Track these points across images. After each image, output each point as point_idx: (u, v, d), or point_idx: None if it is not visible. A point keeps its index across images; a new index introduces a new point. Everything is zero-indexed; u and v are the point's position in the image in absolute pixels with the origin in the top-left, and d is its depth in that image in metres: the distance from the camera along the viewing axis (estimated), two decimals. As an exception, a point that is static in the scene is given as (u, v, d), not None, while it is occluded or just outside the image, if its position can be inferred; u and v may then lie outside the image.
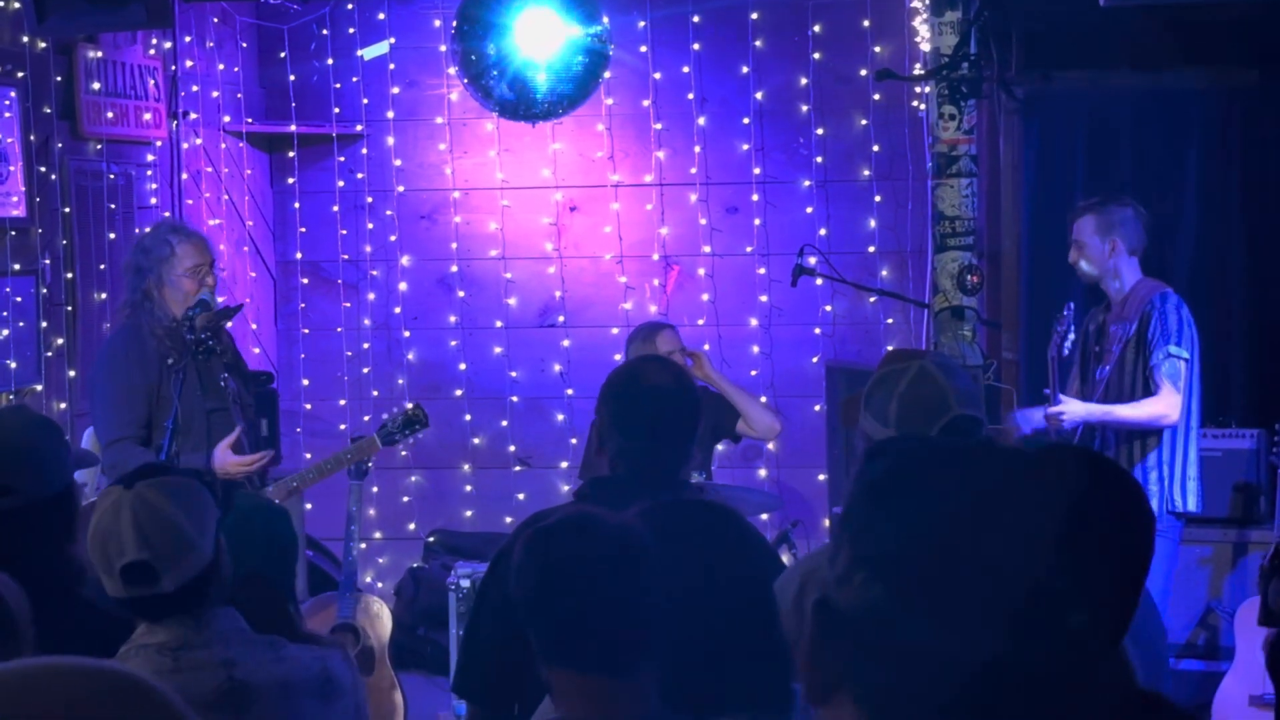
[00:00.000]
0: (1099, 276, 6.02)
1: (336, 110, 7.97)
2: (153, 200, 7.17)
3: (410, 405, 6.12)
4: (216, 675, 2.83)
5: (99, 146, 6.65)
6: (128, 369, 5.40)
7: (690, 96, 7.83)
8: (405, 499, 8.07)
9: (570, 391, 7.96)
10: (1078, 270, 6.06)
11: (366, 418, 7.55)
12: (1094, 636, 1.19)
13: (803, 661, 1.26)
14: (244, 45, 7.88)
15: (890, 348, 7.41)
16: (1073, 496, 1.21)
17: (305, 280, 8.09)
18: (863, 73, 7.64)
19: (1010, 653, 1.17)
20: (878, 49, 7.61)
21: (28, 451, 3.23)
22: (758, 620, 2.65)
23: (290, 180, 8.07)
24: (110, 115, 6.74)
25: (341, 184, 8.03)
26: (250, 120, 7.89)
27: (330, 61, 7.93)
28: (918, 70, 7.15)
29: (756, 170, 7.82)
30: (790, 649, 2.68)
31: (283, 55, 7.93)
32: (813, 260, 7.01)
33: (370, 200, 8.04)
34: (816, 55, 7.70)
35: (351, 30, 7.91)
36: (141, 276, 5.44)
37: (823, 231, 7.71)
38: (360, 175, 8.03)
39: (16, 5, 5.86)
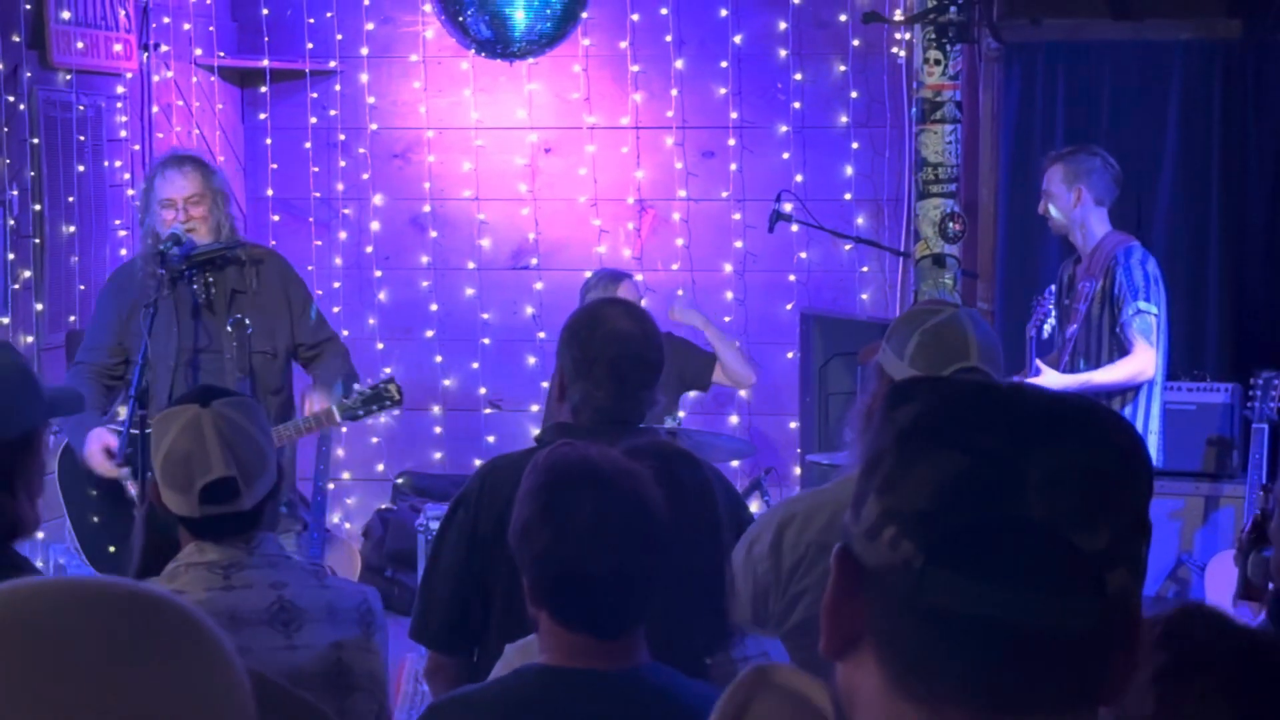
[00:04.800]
0: (1067, 227, 6.02)
1: (310, 46, 7.87)
2: (123, 133, 7.07)
3: (384, 379, 5.35)
4: (267, 595, 2.86)
5: (68, 77, 6.55)
6: (105, 296, 5.36)
7: (668, 39, 7.75)
8: (374, 440, 8.02)
9: (542, 335, 7.90)
10: (1049, 221, 6.07)
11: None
12: (1132, 597, 1.13)
13: (824, 612, 1.18)
14: (216, -23, 7.77)
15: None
16: (1102, 451, 1.15)
17: (276, 217, 8.01)
18: (842, 18, 7.57)
19: (1049, 617, 1.10)
20: (858, -7, 7.55)
21: None
22: (709, 567, 2.60)
23: (262, 116, 7.97)
24: (80, 45, 6.63)
25: (314, 120, 7.94)
26: (222, 54, 7.78)
27: (304, -4, 7.83)
28: (899, 15, 7.08)
29: (734, 115, 7.75)
30: (729, 593, 2.64)
31: (256, -12, 7.83)
32: (789, 207, 6.96)
33: (343, 138, 7.94)
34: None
35: (326, -36, 7.81)
36: (143, 204, 5.33)
37: (799, 178, 7.65)
38: (333, 112, 7.93)
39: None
